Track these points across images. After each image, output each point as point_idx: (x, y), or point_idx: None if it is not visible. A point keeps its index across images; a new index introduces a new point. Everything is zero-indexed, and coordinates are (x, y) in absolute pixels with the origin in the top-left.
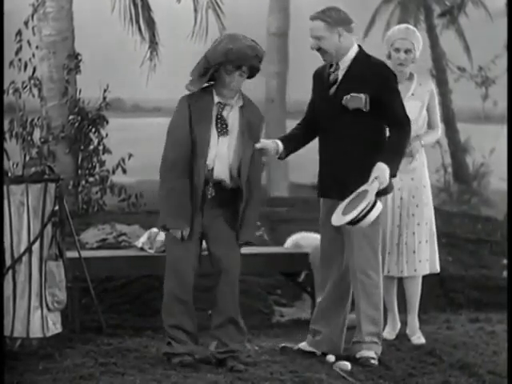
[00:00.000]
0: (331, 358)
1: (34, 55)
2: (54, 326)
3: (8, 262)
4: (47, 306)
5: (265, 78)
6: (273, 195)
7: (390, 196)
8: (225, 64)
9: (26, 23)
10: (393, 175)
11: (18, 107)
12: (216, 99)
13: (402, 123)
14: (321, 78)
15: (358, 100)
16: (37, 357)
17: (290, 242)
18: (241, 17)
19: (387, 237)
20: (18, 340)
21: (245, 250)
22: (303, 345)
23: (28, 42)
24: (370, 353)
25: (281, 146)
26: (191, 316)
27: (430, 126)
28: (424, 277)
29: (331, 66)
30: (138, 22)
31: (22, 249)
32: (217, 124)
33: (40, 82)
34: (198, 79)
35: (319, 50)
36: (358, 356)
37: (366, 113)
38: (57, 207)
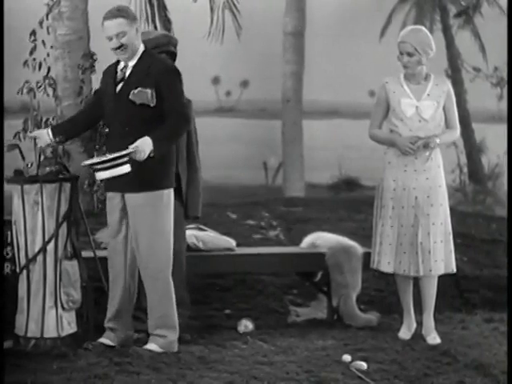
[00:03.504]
0: (347, 357)
1: (48, 55)
2: (69, 325)
3: (22, 261)
4: (62, 305)
5: (281, 78)
6: (289, 195)
7: (404, 195)
8: None
9: (40, 23)
10: (156, 155)
11: (32, 107)
12: None
13: (178, 116)
14: (108, 76)
15: (143, 95)
16: (51, 356)
17: (306, 241)
18: (257, 16)
19: (402, 236)
20: (32, 340)
21: (261, 249)
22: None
23: (43, 41)
24: (152, 345)
25: (50, 133)
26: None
27: (448, 126)
28: (439, 277)
29: (118, 63)
30: (154, 21)
31: (37, 248)
32: None
33: (55, 81)
34: None
35: (120, 47)
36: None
37: (152, 108)
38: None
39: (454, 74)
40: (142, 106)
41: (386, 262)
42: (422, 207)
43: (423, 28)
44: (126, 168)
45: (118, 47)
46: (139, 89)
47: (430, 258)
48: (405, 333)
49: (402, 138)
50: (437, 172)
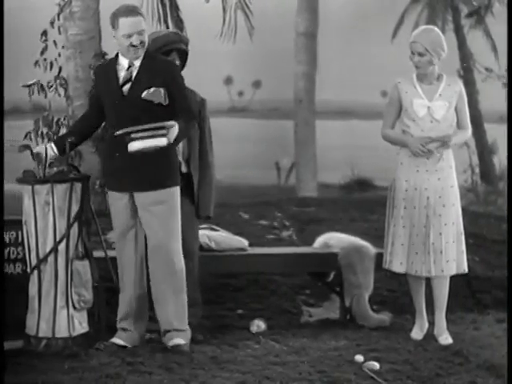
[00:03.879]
0: (360, 358)
1: (59, 55)
2: (81, 325)
3: (34, 261)
4: (73, 305)
5: (293, 78)
6: (301, 195)
7: (416, 196)
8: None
9: (51, 23)
10: (174, 143)
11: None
12: None
13: (188, 113)
14: (107, 77)
15: (159, 94)
16: (62, 356)
17: (318, 242)
18: (269, 17)
19: (414, 237)
20: (43, 340)
21: (274, 249)
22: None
23: (54, 41)
24: (181, 340)
25: (54, 147)
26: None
27: (460, 126)
28: (451, 277)
29: (115, 63)
30: (166, 21)
31: (48, 248)
32: None
33: (66, 81)
34: None
35: (140, 44)
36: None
37: (163, 107)
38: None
39: (466, 74)
40: (154, 106)
41: (398, 263)
42: (433, 207)
43: (435, 28)
44: (164, 141)
45: (140, 43)
46: (153, 88)
47: (441, 258)
48: (417, 333)
49: (414, 139)
50: (449, 172)
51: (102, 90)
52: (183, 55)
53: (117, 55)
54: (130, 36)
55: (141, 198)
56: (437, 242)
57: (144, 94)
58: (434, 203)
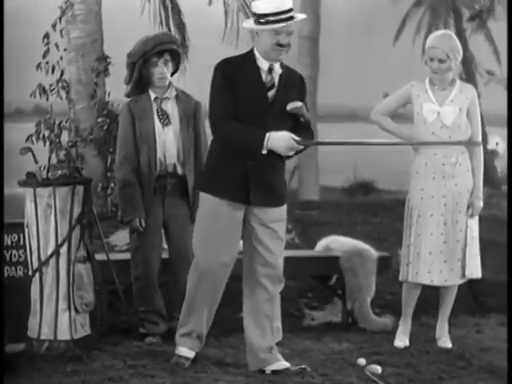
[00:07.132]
0: (362, 361)
1: (61, 58)
2: (83, 328)
3: (35, 264)
4: (75, 308)
5: None
6: (304, 198)
7: (433, 204)
8: (147, 57)
9: (53, 26)
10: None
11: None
12: (152, 96)
13: (310, 131)
14: (247, 77)
15: (303, 109)
16: (65, 359)
17: (320, 245)
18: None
19: (437, 245)
20: (45, 342)
21: None
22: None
23: (56, 44)
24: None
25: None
26: (159, 298)
27: (471, 136)
28: None
29: (253, 61)
30: (168, 24)
31: (50, 251)
32: (158, 117)
33: (68, 84)
34: (130, 82)
35: (287, 45)
36: None
37: (293, 122)
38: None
39: (468, 77)
40: (291, 120)
41: (425, 272)
42: (451, 215)
43: (452, 34)
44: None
45: (287, 45)
46: (300, 103)
47: (459, 266)
48: (402, 340)
49: (409, 135)
50: (466, 177)
51: (241, 90)
52: (176, 56)
53: (250, 53)
54: (278, 33)
55: (261, 213)
56: (455, 250)
57: (290, 107)
58: (451, 210)
